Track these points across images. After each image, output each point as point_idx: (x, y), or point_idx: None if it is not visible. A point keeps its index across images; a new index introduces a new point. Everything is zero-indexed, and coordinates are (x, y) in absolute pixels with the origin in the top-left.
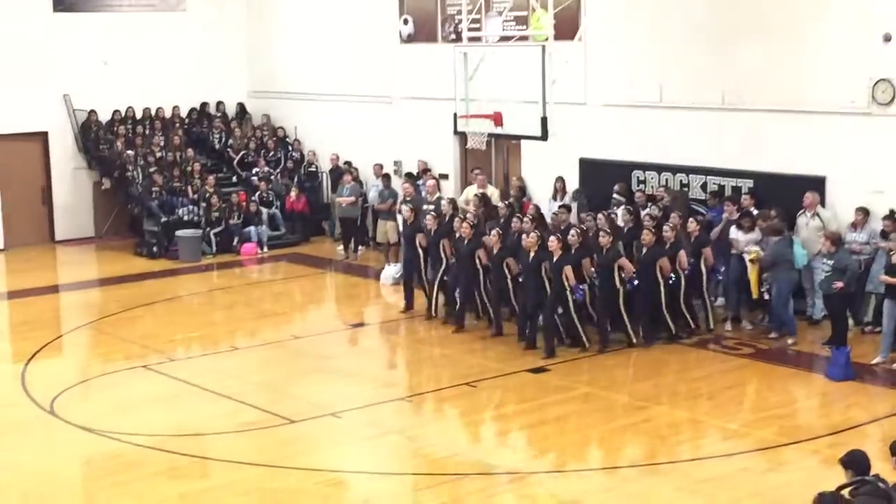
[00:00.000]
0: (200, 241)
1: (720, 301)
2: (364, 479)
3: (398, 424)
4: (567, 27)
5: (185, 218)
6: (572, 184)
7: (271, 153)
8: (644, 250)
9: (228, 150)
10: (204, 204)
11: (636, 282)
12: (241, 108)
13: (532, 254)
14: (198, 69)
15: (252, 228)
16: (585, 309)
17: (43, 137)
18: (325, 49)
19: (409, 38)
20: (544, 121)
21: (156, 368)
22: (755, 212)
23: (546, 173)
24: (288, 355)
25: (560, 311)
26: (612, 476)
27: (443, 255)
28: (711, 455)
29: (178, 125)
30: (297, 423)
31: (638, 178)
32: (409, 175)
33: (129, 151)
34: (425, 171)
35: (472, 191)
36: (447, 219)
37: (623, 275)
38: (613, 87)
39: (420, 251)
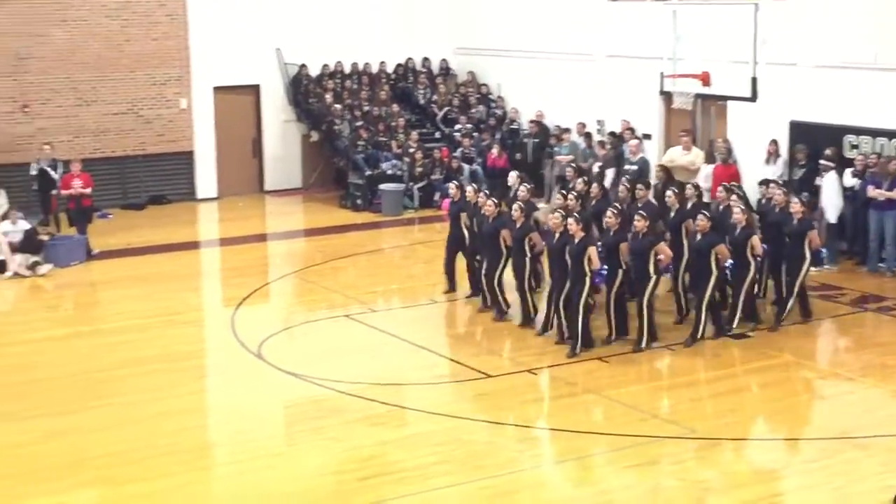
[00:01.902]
0: (403, 195)
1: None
2: (559, 436)
3: (594, 384)
4: None
5: (389, 172)
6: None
7: (474, 110)
8: (698, 236)
9: (432, 105)
10: (407, 159)
11: (730, 262)
12: (446, 65)
13: (556, 236)
14: (405, 25)
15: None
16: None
17: (255, 91)
18: (531, 5)
19: None
20: (754, 81)
21: (357, 318)
22: None
23: (753, 136)
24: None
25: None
26: (811, 447)
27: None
28: None
29: (384, 80)
30: (494, 377)
31: (850, 142)
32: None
33: (337, 105)
34: (629, 129)
35: (675, 152)
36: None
37: (720, 259)
38: (825, 47)
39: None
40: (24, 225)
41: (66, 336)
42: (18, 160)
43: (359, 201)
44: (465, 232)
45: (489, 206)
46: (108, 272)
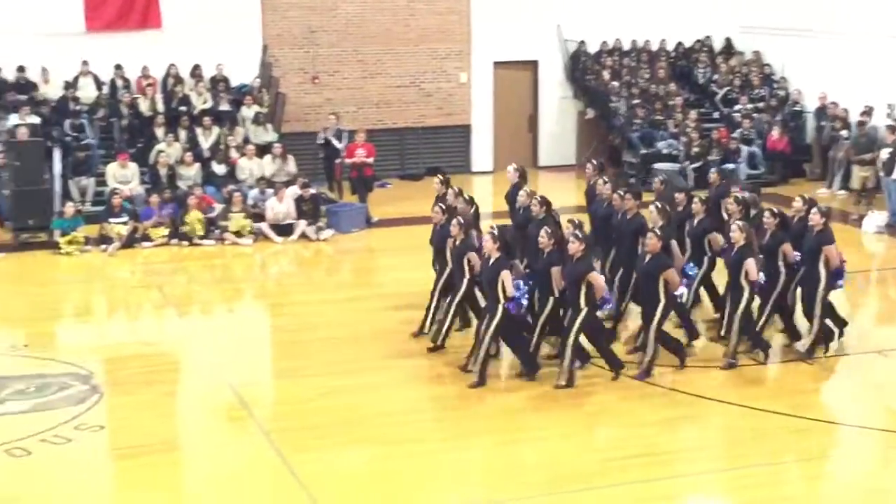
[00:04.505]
0: (678, 175)
1: None
2: (830, 428)
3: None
4: None
5: (664, 151)
6: None
7: (755, 90)
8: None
9: (712, 85)
10: (684, 138)
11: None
12: (728, 44)
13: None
14: (688, 2)
15: (730, 165)
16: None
17: (534, 66)
18: None
19: None
20: None
21: None
22: None
23: None
24: None
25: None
26: None
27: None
28: None
29: (663, 58)
30: (769, 365)
31: None
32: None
33: (615, 83)
34: None
35: None
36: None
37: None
38: None
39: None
40: (311, 191)
41: (344, 299)
42: (307, 129)
43: (632, 180)
44: None
45: (436, 215)
46: (385, 240)
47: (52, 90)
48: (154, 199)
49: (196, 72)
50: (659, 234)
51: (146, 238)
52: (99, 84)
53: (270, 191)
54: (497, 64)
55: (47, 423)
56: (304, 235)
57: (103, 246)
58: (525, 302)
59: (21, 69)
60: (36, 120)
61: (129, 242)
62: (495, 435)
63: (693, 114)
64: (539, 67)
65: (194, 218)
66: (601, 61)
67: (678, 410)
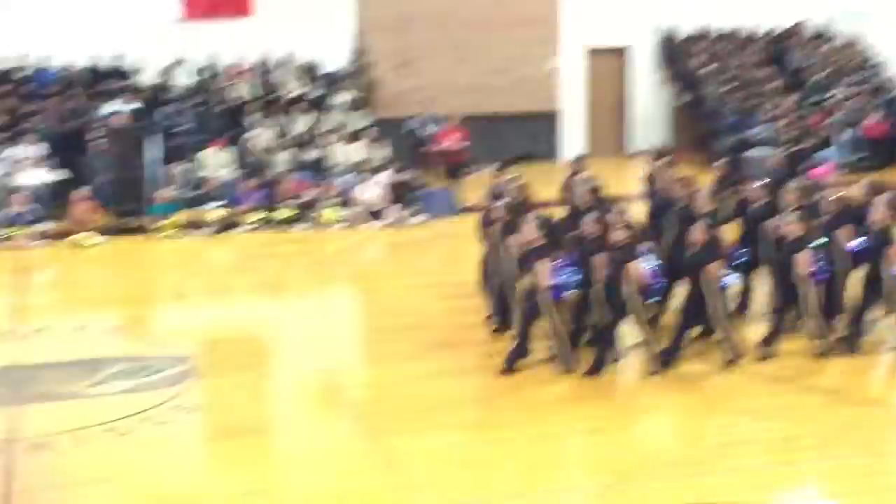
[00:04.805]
0: (762, 162)
1: None
2: None
3: None
4: None
5: (758, 138)
6: None
7: (852, 75)
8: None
9: (807, 70)
10: (777, 124)
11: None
12: (824, 27)
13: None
14: None
15: (826, 151)
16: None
17: (624, 52)
18: None
19: None
20: None
21: None
22: None
23: None
24: None
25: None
26: None
27: None
28: None
29: (757, 43)
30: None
31: None
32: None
33: (707, 68)
34: None
35: None
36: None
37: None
38: None
39: None
40: (401, 177)
41: (433, 284)
42: (398, 115)
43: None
44: None
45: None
46: (474, 227)
47: (148, 77)
48: (247, 184)
49: (289, 58)
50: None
51: (239, 223)
52: (194, 71)
53: (361, 176)
54: (588, 50)
55: (146, 403)
56: (394, 221)
57: (198, 231)
58: (568, 290)
59: (119, 57)
60: (133, 107)
61: (223, 227)
62: (589, 421)
63: (787, 100)
64: (630, 53)
65: (286, 204)
66: (693, 46)
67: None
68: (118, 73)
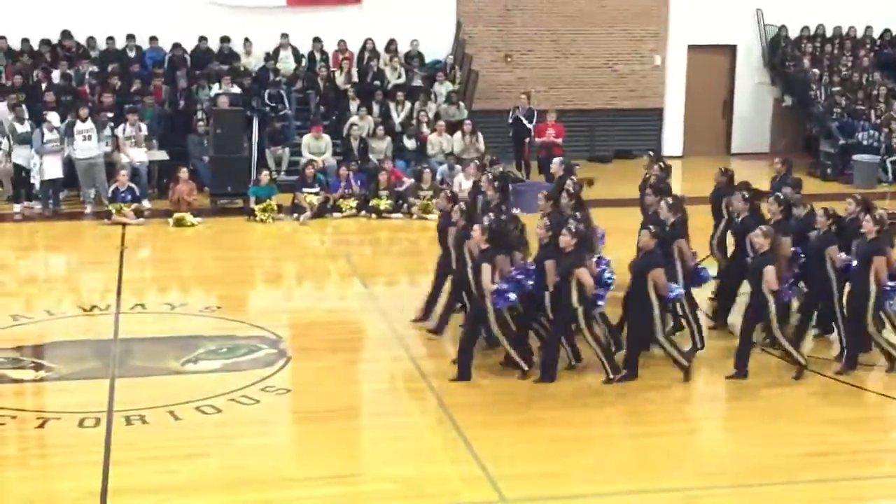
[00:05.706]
0: (878, 167)
1: None
2: None
3: None
4: None
5: (865, 142)
6: None
7: None
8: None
9: None
10: (886, 130)
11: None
12: None
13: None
14: None
15: None
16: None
17: (731, 51)
18: None
19: None
20: None
21: None
22: None
23: None
24: None
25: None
26: None
27: None
28: None
29: (868, 46)
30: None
31: None
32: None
33: (815, 70)
34: None
35: None
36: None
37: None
38: None
39: None
40: (499, 169)
41: None
42: (498, 107)
43: (829, 170)
44: None
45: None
46: None
47: (253, 61)
48: (345, 170)
49: (391, 47)
50: (652, 231)
51: (336, 209)
52: (297, 57)
53: (459, 167)
54: (692, 47)
55: (237, 383)
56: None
57: (295, 214)
58: (513, 296)
59: (225, 40)
60: (237, 90)
61: (320, 212)
62: (674, 424)
63: (894, 106)
64: (737, 51)
65: (383, 192)
66: (801, 47)
67: (861, 411)
68: (224, 56)
